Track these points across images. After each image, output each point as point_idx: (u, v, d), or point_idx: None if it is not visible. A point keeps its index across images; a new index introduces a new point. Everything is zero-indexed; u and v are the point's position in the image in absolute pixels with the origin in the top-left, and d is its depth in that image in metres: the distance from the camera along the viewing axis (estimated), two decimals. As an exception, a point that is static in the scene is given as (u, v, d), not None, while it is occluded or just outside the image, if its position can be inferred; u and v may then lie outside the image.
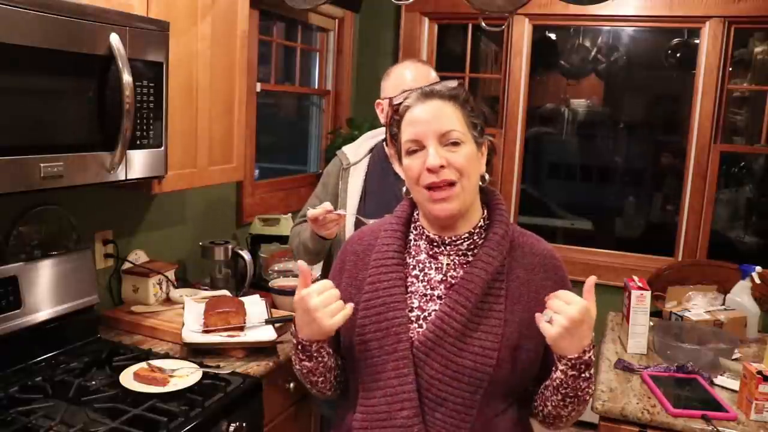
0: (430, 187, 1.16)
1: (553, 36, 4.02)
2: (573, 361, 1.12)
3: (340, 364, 1.30)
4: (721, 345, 2.00)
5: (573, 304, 1.08)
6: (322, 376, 1.26)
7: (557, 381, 1.16)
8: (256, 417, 1.77)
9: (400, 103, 1.22)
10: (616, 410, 1.72)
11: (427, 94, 1.19)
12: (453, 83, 1.21)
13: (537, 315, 1.12)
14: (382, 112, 1.86)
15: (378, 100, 1.88)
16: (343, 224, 1.80)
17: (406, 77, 1.80)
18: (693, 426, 1.64)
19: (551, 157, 4.35)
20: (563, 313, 1.08)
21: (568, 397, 1.17)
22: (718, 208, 3.45)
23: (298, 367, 1.28)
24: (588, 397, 1.19)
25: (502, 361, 1.14)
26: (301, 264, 1.19)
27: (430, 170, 1.14)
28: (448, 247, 1.22)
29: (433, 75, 1.83)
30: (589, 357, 1.13)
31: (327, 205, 1.73)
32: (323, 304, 1.14)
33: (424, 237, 1.25)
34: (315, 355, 1.22)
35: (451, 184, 1.15)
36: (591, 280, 1.12)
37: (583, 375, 1.14)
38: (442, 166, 1.14)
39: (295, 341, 1.24)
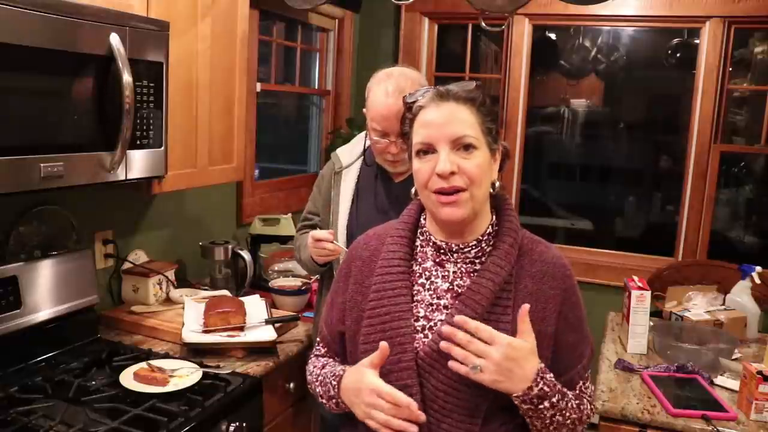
0: (440, 192, 1.13)
1: (553, 36, 4.01)
2: (521, 398, 1.08)
3: None
4: (721, 345, 1.99)
5: (495, 345, 1.04)
6: (343, 411, 1.26)
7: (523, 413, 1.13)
8: (256, 417, 1.77)
9: (413, 102, 1.18)
10: (616, 410, 1.72)
11: (443, 96, 1.14)
12: (471, 84, 1.16)
13: (466, 370, 1.06)
14: (368, 138, 1.79)
15: (367, 123, 1.77)
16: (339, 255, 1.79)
17: (393, 109, 1.65)
18: (693, 426, 1.64)
19: (551, 157, 4.34)
20: (488, 357, 1.04)
21: (543, 424, 1.14)
22: (718, 208, 3.44)
23: (325, 405, 1.27)
24: (569, 421, 1.15)
25: None
26: (383, 345, 1.12)
27: (440, 176, 1.11)
28: (455, 255, 1.19)
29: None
30: (541, 389, 1.08)
31: (329, 235, 1.75)
32: (380, 408, 1.10)
33: (430, 243, 1.22)
34: (345, 409, 1.22)
35: (460, 190, 1.12)
36: (524, 308, 1.09)
37: (541, 407, 1.10)
38: (452, 173, 1.11)
39: (334, 393, 1.22)
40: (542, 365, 1.10)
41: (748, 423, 1.66)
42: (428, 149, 1.14)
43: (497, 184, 1.20)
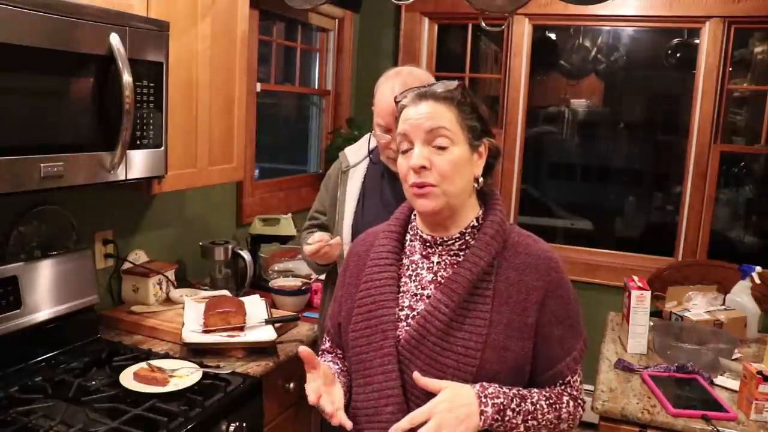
0: (413, 185, 1.18)
1: (553, 36, 4.01)
2: (485, 423, 1.12)
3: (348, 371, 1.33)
4: (721, 345, 1.99)
5: (434, 414, 1.09)
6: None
7: None
8: (256, 417, 1.77)
9: (399, 101, 1.24)
10: (616, 410, 1.72)
11: (422, 95, 1.20)
12: (453, 84, 1.21)
13: None
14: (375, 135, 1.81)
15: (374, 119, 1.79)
16: (340, 249, 1.79)
17: (392, 97, 1.72)
18: (693, 426, 1.64)
19: (551, 157, 4.34)
20: (441, 428, 1.08)
21: None
22: (718, 208, 3.44)
23: None
24: (545, 421, 1.18)
25: (486, 362, 1.14)
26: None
27: (413, 170, 1.17)
28: (440, 248, 1.23)
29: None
30: (493, 404, 1.12)
31: (317, 236, 1.76)
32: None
33: (418, 238, 1.27)
34: None
35: (432, 185, 1.16)
36: (415, 376, 1.13)
37: (506, 418, 1.13)
38: (423, 167, 1.15)
39: None
40: (477, 387, 1.13)
41: (748, 423, 1.66)
42: (408, 144, 1.19)
43: (480, 180, 1.23)
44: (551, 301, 1.19)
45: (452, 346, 1.15)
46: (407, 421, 1.10)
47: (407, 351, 1.17)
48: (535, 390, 1.20)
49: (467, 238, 1.22)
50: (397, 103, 1.24)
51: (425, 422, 1.09)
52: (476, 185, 1.23)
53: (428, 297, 1.21)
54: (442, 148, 1.16)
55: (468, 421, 1.10)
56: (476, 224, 1.23)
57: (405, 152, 1.20)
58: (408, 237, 1.29)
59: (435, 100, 1.18)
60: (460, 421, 1.09)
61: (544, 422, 1.18)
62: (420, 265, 1.25)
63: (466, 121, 1.19)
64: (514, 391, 1.16)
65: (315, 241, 1.76)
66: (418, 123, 1.17)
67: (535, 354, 1.19)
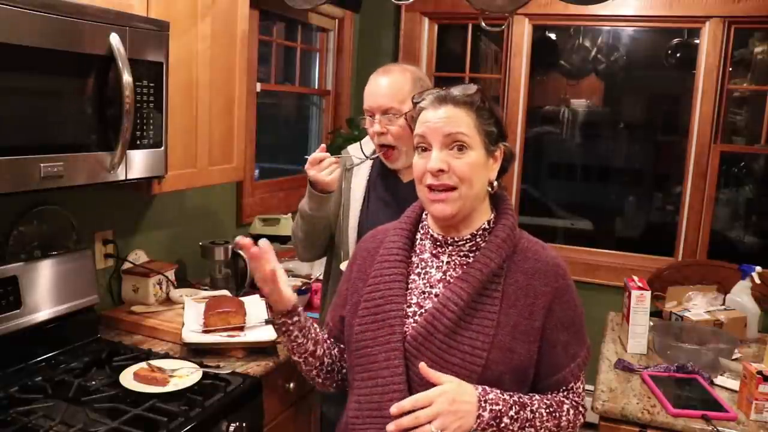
0: (431, 188, 1.18)
1: (553, 36, 4.02)
2: (479, 427, 1.12)
3: (336, 354, 1.35)
4: (721, 345, 1.99)
5: (436, 401, 1.09)
6: (302, 357, 1.30)
7: None
8: (256, 417, 1.77)
9: (418, 103, 1.24)
10: (616, 410, 1.72)
11: (441, 99, 1.20)
12: (472, 89, 1.21)
13: None
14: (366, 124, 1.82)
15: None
16: (339, 179, 1.77)
17: (379, 86, 1.74)
18: (693, 426, 1.64)
19: (551, 157, 4.34)
20: (439, 415, 1.09)
21: None
22: (718, 208, 3.44)
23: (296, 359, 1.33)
24: (543, 429, 1.18)
25: (492, 363, 1.15)
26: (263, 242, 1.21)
27: (431, 173, 1.17)
28: (450, 248, 1.24)
29: (408, 87, 1.70)
30: (491, 410, 1.12)
31: (323, 147, 1.76)
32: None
33: (429, 236, 1.27)
34: (283, 330, 1.27)
35: (450, 188, 1.17)
36: (422, 367, 1.13)
37: (503, 425, 1.14)
38: (441, 170, 1.16)
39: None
40: (480, 390, 1.14)
41: (748, 423, 1.66)
42: (426, 145, 1.19)
43: (495, 184, 1.24)
44: (558, 306, 1.20)
45: (459, 345, 1.15)
46: (410, 402, 1.11)
47: (413, 347, 1.18)
48: (537, 397, 1.20)
49: (478, 240, 1.23)
50: (415, 104, 1.24)
51: (426, 408, 1.10)
52: (490, 189, 1.23)
53: (436, 295, 1.21)
54: (460, 151, 1.17)
55: (464, 419, 1.11)
56: (487, 227, 1.24)
57: (421, 153, 1.20)
58: (418, 235, 1.30)
59: (454, 104, 1.19)
60: (458, 417, 1.10)
61: (542, 430, 1.18)
62: (429, 263, 1.25)
63: (484, 126, 1.19)
64: (515, 398, 1.17)
65: (320, 149, 1.74)
66: (436, 127, 1.17)
67: (539, 359, 1.20)
